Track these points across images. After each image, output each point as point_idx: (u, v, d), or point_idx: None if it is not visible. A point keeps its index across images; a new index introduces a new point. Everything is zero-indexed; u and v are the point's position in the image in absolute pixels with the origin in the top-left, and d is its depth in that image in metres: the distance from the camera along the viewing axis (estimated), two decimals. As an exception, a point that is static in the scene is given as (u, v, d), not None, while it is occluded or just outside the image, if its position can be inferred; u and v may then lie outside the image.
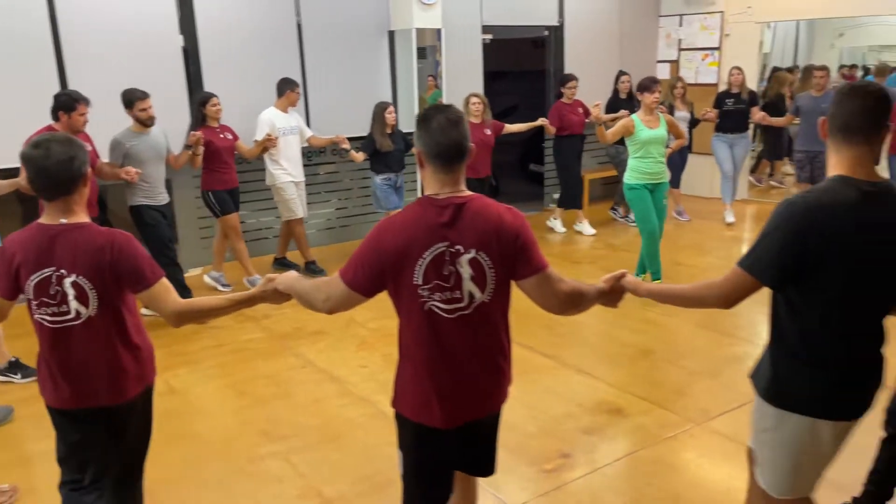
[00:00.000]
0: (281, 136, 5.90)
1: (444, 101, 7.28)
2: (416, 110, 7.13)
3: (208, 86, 6.12)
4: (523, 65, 9.48)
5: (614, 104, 7.59)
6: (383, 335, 4.80)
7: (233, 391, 4.17)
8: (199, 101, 5.55)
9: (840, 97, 1.97)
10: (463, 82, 7.36)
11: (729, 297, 2.02)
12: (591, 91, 7.72)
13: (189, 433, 3.66)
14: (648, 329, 4.93)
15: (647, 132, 5.25)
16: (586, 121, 7.32)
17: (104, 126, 4.87)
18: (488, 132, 6.56)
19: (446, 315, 1.98)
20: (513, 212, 2.06)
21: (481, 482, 3.07)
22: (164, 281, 2.28)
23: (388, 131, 6.22)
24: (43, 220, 2.21)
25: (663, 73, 9.20)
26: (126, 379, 2.29)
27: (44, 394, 2.33)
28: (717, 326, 4.89)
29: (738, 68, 7.58)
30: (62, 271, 2.15)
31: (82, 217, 2.22)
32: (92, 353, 2.23)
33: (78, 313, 2.18)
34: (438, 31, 7.12)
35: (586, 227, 7.55)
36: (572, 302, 2.14)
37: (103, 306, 2.20)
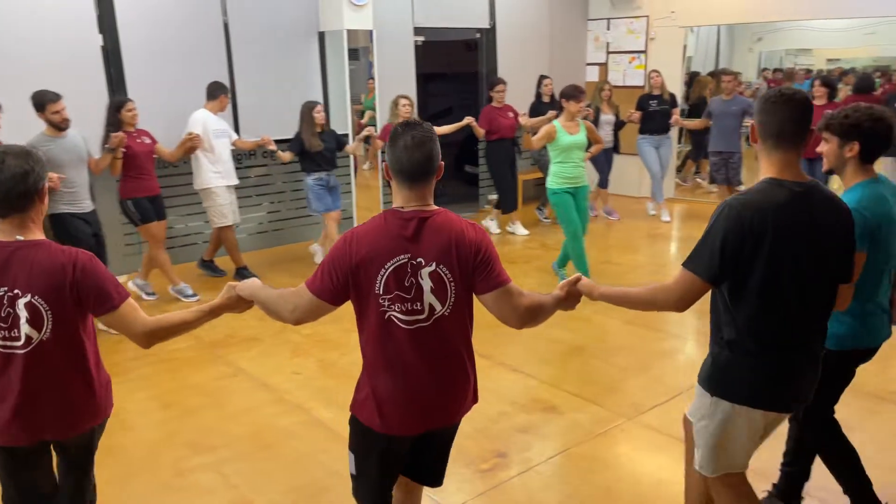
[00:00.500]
0: (214, 138, 5.75)
1: (378, 102, 7.26)
2: (350, 112, 7.08)
3: (131, 87, 5.92)
4: (456, 67, 9.51)
5: (537, 108, 7.65)
6: (318, 341, 4.73)
7: (158, 403, 4.03)
8: (114, 105, 5.33)
9: (769, 105, 2.07)
10: (396, 84, 7.33)
11: (681, 300, 2.11)
12: (523, 93, 7.83)
13: (113, 448, 3.50)
14: (580, 326, 5.01)
15: (569, 138, 5.40)
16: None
17: (24, 130, 4.61)
18: None
19: (404, 326, 2.02)
20: (475, 227, 2.11)
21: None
22: (131, 301, 2.13)
23: (318, 130, 6.14)
24: None
25: (592, 75, 9.41)
26: (79, 411, 2.14)
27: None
28: (646, 323, 5.01)
29: (657, 71, 7.86)
30: (16, 291, 1.98)
31: (38, 234, 2.07)
32: (41, 381, 2.05)
33: (28, 339, 2.01)
34: (370, 32, 7.08)
35: (519, 228, 7.61)
36: (532, 315, 2.17)
37: (58, 330, 2.03)
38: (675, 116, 7.77)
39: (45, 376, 2.05)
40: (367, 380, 2.10)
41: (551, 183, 5.52)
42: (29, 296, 1.98)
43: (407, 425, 2.10)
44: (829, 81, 6.89)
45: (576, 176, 5.48)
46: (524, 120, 6.30)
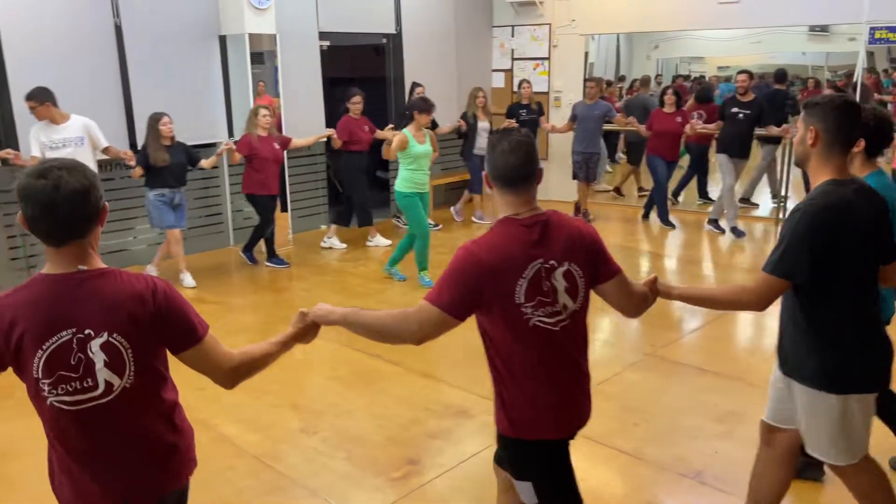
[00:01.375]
0: (50, 151, 5.22)
1: (283, 107, 7.13)
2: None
3: (14, 89, 5.58)
4: (365, 71, 9.47)
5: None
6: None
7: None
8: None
9: (838, 113, 2.24)
10: (302, 89, 7.24)
11: (765, 300, 2.26)
12: (433, 99, 7.85)
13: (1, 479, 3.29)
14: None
15: (419, 147, 5.82)
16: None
17: None
18: (277, 146, 6.37)
19: (551, 328, 2.01)
20: (584, 222, 2.17)
21: (325, 496, 3.02)
22: (211, 332, 1.82)
23: (166, 143, 5.78)
24: (49, 269, 1.67)
25: (499, 81, 9.58)
26: (176, 465, 1.81)
27: (61, 501, 1.80)
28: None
29: (528, 81, 8.36)
30: (87, 332, 1.62)
31: (100, 262, 1.71)
32: (131, 438, 1.72)
33: (109, 386, 1.66)
34: (275, 36, 6.93)
35: (380, 240, 7.40)
36: (645, 302, 2.25)
37: (141, 372, 1.70)
38: (550, 124, 8.25)
39: (130, 429, 1.72)
40: (518, 393, 2.03)
41: (401, 186, 5.88)
42: (105, 335, 1.64)
43: (571, 425, 2.11)
44: (677, 91, 7.89)
45: (424, 182, 5.96)
46: (381, 134, 6.80)
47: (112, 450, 1.72)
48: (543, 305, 1.99)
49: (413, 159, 5.83)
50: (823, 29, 11.24)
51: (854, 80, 7.94)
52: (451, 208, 8.57)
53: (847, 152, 2.28)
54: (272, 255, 6.67)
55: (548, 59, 9.20)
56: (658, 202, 8.05)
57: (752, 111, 7.19)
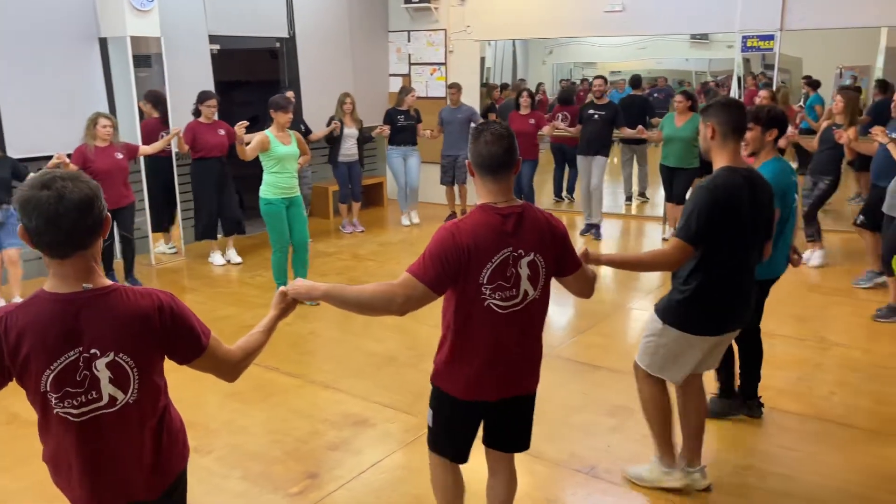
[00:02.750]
0: None
1: (170, 113, 6.84)
2: (138, 123, 6.60)
3: None
4: (261, 75, 9.26)
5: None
6: None
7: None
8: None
9: (727, 109, 2.77)
10: (192, 93, 6.95)
11: (677, 261, 2.75)
12: (328, 103, 7.77)
13: None
14: (392, 336, 5.06)
15: (283, 148, 5.38)
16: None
17: None
18: (120, 156, 5.83)
19: (500, 311, 2.21)
20: (555, 217, 2.34)
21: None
22: (213, 335, 1.88)
23: None
24: (52, 287, 1.66)
25: (396, 85, 9.57)
26: (174, 454, 1.89)
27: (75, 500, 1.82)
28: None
29: (413, 88, 8.31)
30: (93, 351, 1.65)
31: (104, 278, 1.72)
32: (131, 440, 1.77)
33: (113, 399, 1.70)
34: (160, 39, 6.65)
35: (217, 258, 6.96)
36: (594, 281, 2.47)
37: (144, 387, 1.74)
38: (428, 130, 8.24)
39: (130, 438, 1.77)
40: (454, 357, 2.28)
41: (265, 193, 5.42)
42: (112, 354, 1.67)
43: (502, 390, 2.34)
44: (532, 94, 8.14)
45: (290, 186, 5.48)
46: (241, 131, 5.95)
47: (114, 454, 1.77)
48: (502, 290, 2.20)
49: (276, 161, 5.36)
50: (704, 37, 11.87)
51: (731, 84, 8.47)
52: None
53: (739, 141, 2.79)
54: (130, 274, 6.16)
55: (444, 64, 9.28)
56: None
57: (606, 113, 7.60)
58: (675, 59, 14.63)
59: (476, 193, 2.31)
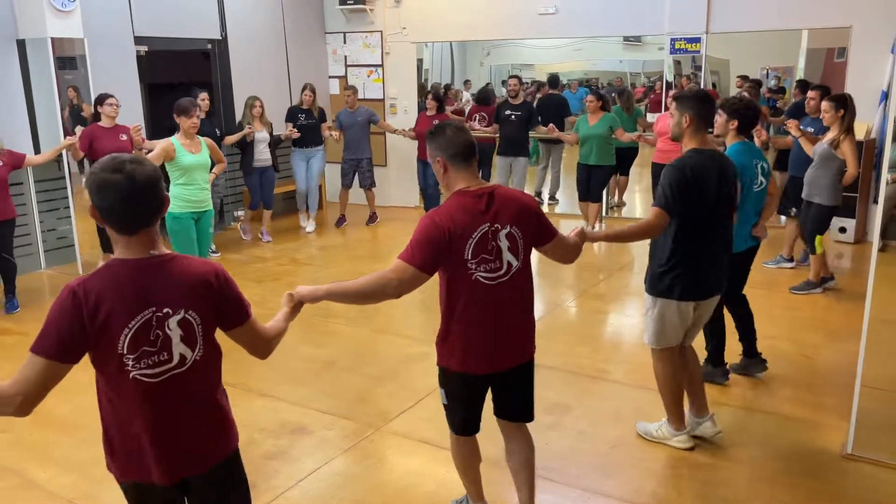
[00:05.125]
0: None
1: (89, 115, 6.59)
2: (61, 126, 6.35)
3: None
4: (193, 76, 9.02)
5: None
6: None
7: None
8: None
9: (702, 102, 3.18)
10: (118, 95, 6.72)
11: (660, 228, 3.11)
12: (264, 105, 7.62)
13: None
14: (331, 341, 5.00)
15: (190, 157, 4.91)
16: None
17: None
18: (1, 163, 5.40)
19: (488, 283, 2.43)
20: (526, 194, 2.63)
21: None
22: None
23: None
24: (122, 255, 1.81)
25: (335, 87, 9.50)
26: (230, 428, 2.01)
27: (131, 471, 1.89)
28: (395, 330, 5.16)
29: (311, 88, 7.91)
30: (166, 310, 1.79)
31: (164, 247, 1.87)
32: (198, 404, 1.90)
33: (183, 358, 1.83)
34: (83, 41, 6.41)
35: None
36: (577, 250, 2.71)
37: (207, 346, 1.88)
38: (335, 132, 8.09)
39: (201, 398, 1.90)
40: (461, 332, 2.47)
41: (172, 207, 4.77)
42: (182, 311, 1.81)
43: (500, 362, 2.54)
44: (438, 96, 8.03)
45: (201, 199, 5.01)
46: (138, 137, 5.80)
47: (184, 417, 1.87)
48: (486, 262, 2.41)
49: (182, 172, 4.87)
50: (637, 39, 12.16)
51: (661, 84, 8.70)
52: (239, 226, 8.12)
53: (706, 130, 3.22)
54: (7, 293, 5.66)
55: (381, 65, 9.24)
56: (427, 205, 8.27)
57: (522, 112, 7.73)
58: (609, 61, 14.94)
59: (446, 186, 2.51)
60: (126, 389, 1.80)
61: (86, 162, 6.15)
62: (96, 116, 6.11)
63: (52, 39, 6.15)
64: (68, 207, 6.65)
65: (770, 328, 5.05)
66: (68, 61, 6.47)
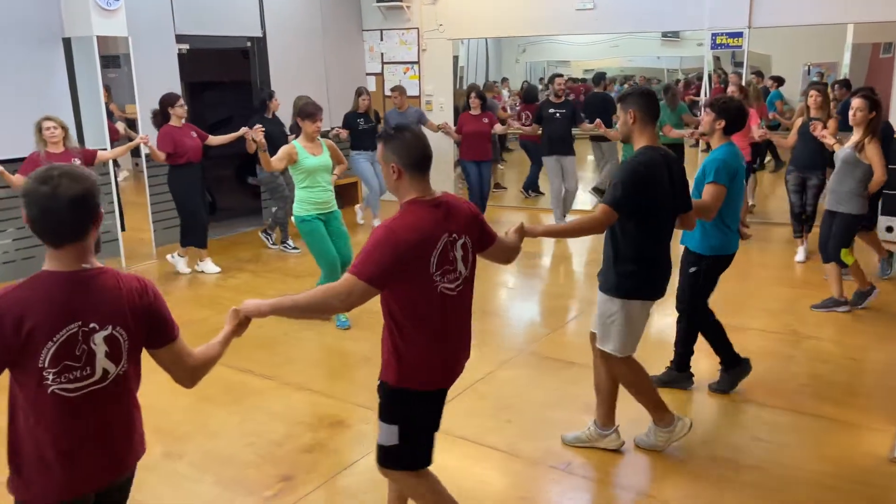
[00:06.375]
0: None
1: (139, 113, 6.73)
2: (105, 123, 6.49)
3: None
4: (233, 75, 9.16)
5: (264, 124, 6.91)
6: None
7: None
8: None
9: (645, 98, 3.13)
10: (159, 93, 6.84)
11: (604, 225, 3.07)
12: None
13: None
14: (369, 337, 5.02)
15: (313, 160, 4.92)
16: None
17: None
18: (77, 163, 5.20)
19: (451, 293, 2.37)
20: (467, 201, 2.58)
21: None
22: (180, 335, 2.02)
23: None
24: (51, 267, 1.78)
25: (372, 85, 9.54)
26: (139, 442, 2.00)
27: (37, 489, 1.83)
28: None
29: (368, 93, 7.97)
30: (93, 325, 1.77)
31: (96, 261, 1.85)
32: (114, 418, 1.89)
33: (105, 374, 1.82)
34: (128, 39, 6.54)
35: (209, 266, 6.62)
36: (516, 250, 2.70)
37: (131, 361, 1.88)
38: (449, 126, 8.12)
39: (117, 413, 1.90)
40: (417, 349, 2.35)
41: (299, 210, 4.97)
42: (109, 328, 1.80)
43: (451, 378, 2.48)
44: (482, 95, 8.06)
45: (325, 200, 5.00)
46: (259, 135, 5.58)
47: (100, 431, 1.85)
48: (448, 273, 2.34)
49: (306, 175, 4.89)
50: (675, 35, 11.98)
51: (702, 81, 8.56)
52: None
53: (654, 125, 3.13)
54: None
55: (417, 63, 9.26)
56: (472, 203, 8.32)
57: (566, 110, 7.66)
58: (646, 58, 14.75)
59: (395, 192, 2.40)
60: (43, 404, 1.77)
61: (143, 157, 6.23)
62: (165, 117, 6.20)
63: (97, 38, 6.28)
64: (112, 203, 6.80)
65: (815, 330, 4.95)
66: (111, 60, 6.61)
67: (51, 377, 1.75)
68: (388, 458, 2.47)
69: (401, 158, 2.33)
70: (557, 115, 7.65)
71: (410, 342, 2.35)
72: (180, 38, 7.37)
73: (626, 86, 11.72)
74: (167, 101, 6.21)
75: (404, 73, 9.34)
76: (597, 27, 8.50)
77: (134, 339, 1.86)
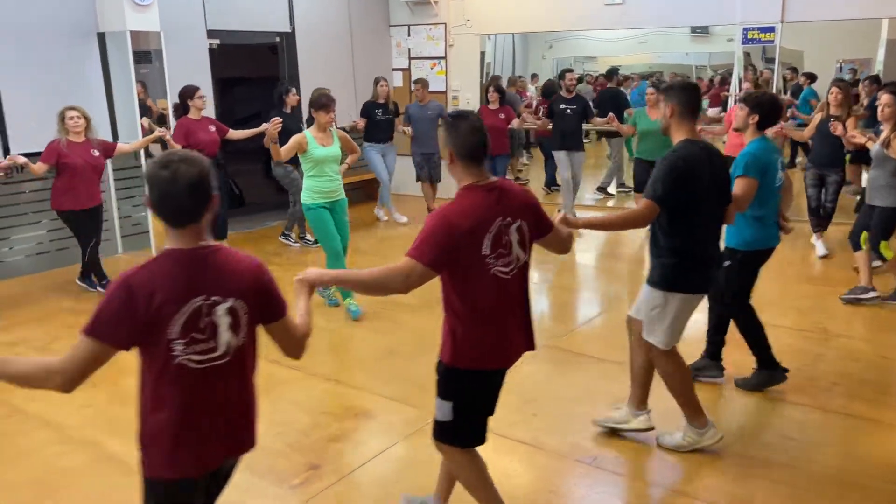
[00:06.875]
0: None
1: (170, 109, 6.83)
2: (138, 118, 6.59)
3: None
4: (261, 71, 9.23)
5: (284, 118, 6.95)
6: (112, 370, 4.34)
7: (-86, 457, 3.49)
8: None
9: (687, 91, 3.12)
10: (190, 89, 6.95)
11: (647, 220, 3.10)
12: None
13: None
14: (395, 329, 5.06)
15: (321, 150, 5.02)
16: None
17: None
18: (96, 153, 5.62)
19: (506, 276, 2.43)
20: (525, 188, 2.65)
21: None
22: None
23: None
24: (173, 245, 1.89)
25: (399, 80, 9.56)
26: (254, 427, 2.07)
27: (163, 465, 1.90)
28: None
29: (385, 79, 7.97)
30: (215, 298, 1.87)
31: (211, 240, 1.95)
32: (235, 395, 1.97)
33: (227, 346, 1.90)
34: (160, 34, 6.64)
35: None
36: (570, 239, 2.73)
37: (249, 335, 1.96)
38: (408, 128, 8.03)
39: (239, 387, 1.98)
40: (472, 331, 2.42)
41: (305, 198, 5.11)
42: (231, 300, 1.89)
43: (504, 360, 2.52)
44: (500, 88, 8.08)
45: (332, 189, 5.11)
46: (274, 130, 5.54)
47: (222, 406, 1.94)
48: (502, 257, 2.41)
49: (314, 164, 5.01)
50: (704, 30, 11.85)
51: (731, 78, 8.46)
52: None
53: (694, 120, 3.13)
54: (101, 278, 5.85)
55: (444, 58, 9.26)
56: None
57: (577, 106, 7.62)
58: (675, 54, 14.59)
59: (454, 177, 2.50)
60: (171, 377, 1.85)
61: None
62: (185, 109, 6.21)
63: (130, 32, 6.38)
64: (144, 196, 6.91)
65: (845, 328, 4.88)
66: (143, 55, 6.70)
67: (179, 348, 1.83)
68: (441, 433, 2.59)
69: (455, 146, 2.44)
70: (568, 110, 7.62)
71: (464, 323, 2.44)
72: (211, 34, 7.46)
73: (646, 81, 11.62)
74: (186, 92, 6.24)
75: (431, 69, 9.35)
76: (626, 22, 8.43)
77: (252, 313, 1.95)
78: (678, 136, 3.12)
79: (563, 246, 2.70)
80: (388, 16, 9.49)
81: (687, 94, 3.10)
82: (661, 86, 3.37)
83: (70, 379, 1.79)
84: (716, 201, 3.17)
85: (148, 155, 6.94)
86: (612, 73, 9.57)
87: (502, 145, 7.98)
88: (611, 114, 7.62)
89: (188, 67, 7.11)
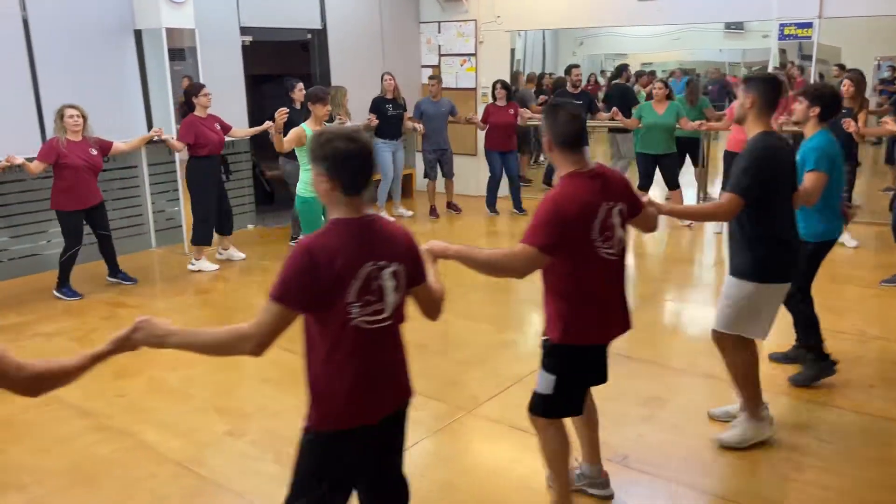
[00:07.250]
0: None
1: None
2: (173, 115, 6.69)
3: None
4: (292, 68, 9.29)
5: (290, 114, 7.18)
6: (147, 361, 4.41)
7: (-44, 443, 3.58)
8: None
9: (768, 84, 3.11)
10: (223, 85, 7.03)
11: (731, 213, 3.07)
12: (356, 95, 7.77)
13: None
14: (423, 326, 5.04)
15: None
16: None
17: None
18: (94, 152, 5.56)
19: (610, 258, 2.55)
20: (618, 171, 2.73)
21: (252, 498, 2.96)
22: None
23: None
24: (345, 214, 2.01)
25: (426, 77, 9.56)
26: (410, 377, 2.23)
27: (340, 418, 2.04)
28: (486, 318, 5.17)
29: (390, 74, 7.86)
30: (382, 262, 2.00)
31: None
32: (396, 352, 2.14)
33: (393, 307, 2.04)
34: (194, 31, 6.73)
35: (234, 253, 6.69)
36: (656, 219, 2.82)
37: (403, 297, 2.10)
38: (419, 125, 7.98)
39: (397, 346, 2.13)
40: (579, 310, 2.56)
41: (302, 190, 5.09)
42: (395, 264, 2.03)
43: (607, 336, 2.66)
44: (507, 86, 8.05)
45: None
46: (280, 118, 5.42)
47: (389, 361, 2.10)
48: (608, 239, 2.52)
49: None
50: (738, 26, 11.67)
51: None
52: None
53: (770, 113, 3.12)
54: (62, 285, 5.69)
55: (474, 55, 9.25)
56: (489, 190, 8.31)
57: (582, 101, 7.57)
58: (708, 51, 14.39)
59: (554, 163, 2.63)
60: (346, 337, 1.97)
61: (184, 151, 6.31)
62: (190, 106, 6.16)
63: (166, 29, 6.47)
64: (177, 190, 7.01)
65: (884, 331, 4.77)
66: (177, 52, 6.79)
67: (355, 311, 1.95)
68: (539, 406, 2.70)
69: (553, 134, 2.52)
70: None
71: (570, 303, 2.56)
72: (244, 31, 7.53)
73: (670, 77, 11.50)
74: (192, 90, 6.18)
75: (461, 66, 9.34)
76: (659, 18, 8.33)
77: (408, 274, 2.08)
78: (755, 128, 3.11)
79: (650, 224, 2.81)
80: (418, 12, 9.50)
81: (768, 87, 3.11)
82: (743, 76, 3.43)
83: (260, 343, 1.92)
84: (790, 191, 3.22)
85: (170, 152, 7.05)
86: (621, 69, 9.52)
87: (511, 142, 7.98)
88: (615, 108, 7.54)
89: (221, 64, 7.21)
